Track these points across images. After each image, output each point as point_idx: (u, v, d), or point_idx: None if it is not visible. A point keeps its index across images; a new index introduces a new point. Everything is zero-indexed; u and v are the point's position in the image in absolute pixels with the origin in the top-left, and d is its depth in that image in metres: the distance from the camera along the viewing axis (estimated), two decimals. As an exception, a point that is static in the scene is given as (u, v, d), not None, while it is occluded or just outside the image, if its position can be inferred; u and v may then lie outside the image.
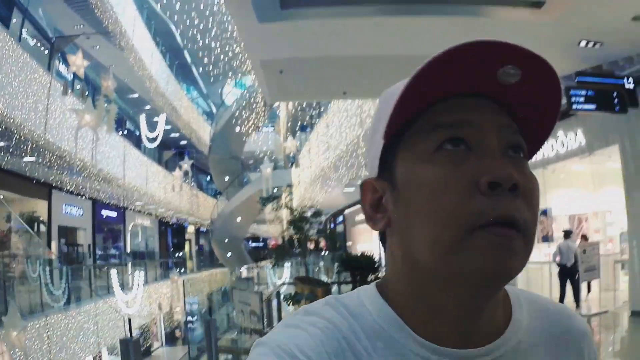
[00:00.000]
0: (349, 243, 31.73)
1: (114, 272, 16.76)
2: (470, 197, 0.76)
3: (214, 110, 33.39)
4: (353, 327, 0.83)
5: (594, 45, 9.12)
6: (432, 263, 0.79)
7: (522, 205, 0.77)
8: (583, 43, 9.04)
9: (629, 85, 10.19)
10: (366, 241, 26.41)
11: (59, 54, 19.07)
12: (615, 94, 10.04)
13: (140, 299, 18.18)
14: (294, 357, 0.76)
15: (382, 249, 0.93)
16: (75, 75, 18.15)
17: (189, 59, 31.38)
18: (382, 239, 0.91)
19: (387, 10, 7.58)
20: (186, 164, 23.79)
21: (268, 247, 39.34)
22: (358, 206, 25.74)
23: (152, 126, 24.91)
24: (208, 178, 37.24)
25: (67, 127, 14.62)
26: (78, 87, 19.23)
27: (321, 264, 22.71)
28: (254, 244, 41.18)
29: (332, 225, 35.09)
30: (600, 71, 10.37)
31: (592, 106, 9.95)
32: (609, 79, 10.23)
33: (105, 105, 13.89)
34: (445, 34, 7.53)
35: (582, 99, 9.88)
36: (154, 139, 22.28)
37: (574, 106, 9.88)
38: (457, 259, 0.76)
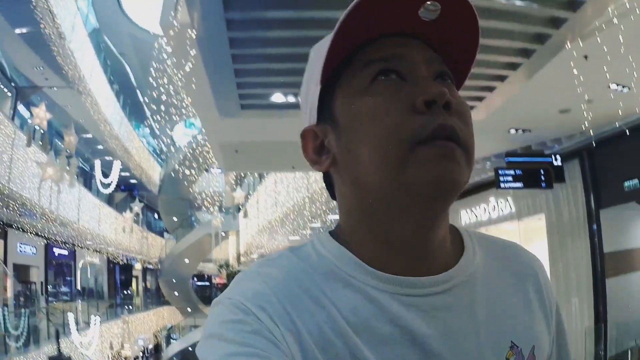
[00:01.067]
0: None
1: (70, 315, 17.16)
2: (409, 116, 0.81)
3: (164, 148, 33.92)
4: (307, 272, 0.85)
5: (524, 132, 9.88)
6: (380, 184, 0.82)
7: (457, 121, 0.83)
8: (513, 131, 9.79)
9: (557, 162, 11.05)
10: None
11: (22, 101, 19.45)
12: (542, 171, 10.62)
13: (97, 341, 18.63)
14: (246, 310, 0.78)
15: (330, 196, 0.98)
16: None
17: (141, 98, 31.92)
18: (329, 186, 0.97)
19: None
20: (137, 206, 24.29)
21: (213, 285, 39.69)
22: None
23: (105, 166, 25.39)
24: (156, 215, 37.61)
25: (29, 176, 15.12)
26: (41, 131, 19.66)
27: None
28: (199, 283, 41.09)
29: None
30: (529, 151, 11.06)
31: (519, 184, 10.46)
32: (537, 157, 10.86)
33: (67, 159, 14.50)
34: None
35: (510, 178, 10.39)
36: (108, 185, 22.82)
37: (502, 184, 10.38)
38: (404, 173, 0.80)
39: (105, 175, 24.36)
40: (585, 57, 6.73)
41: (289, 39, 5.77)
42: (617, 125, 8.76)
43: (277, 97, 7.73)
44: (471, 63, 0.94)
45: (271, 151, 11.48)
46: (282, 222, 20.15)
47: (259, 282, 0.82)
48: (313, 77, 0.91)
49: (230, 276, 16.39)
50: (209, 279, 41.24)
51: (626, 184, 10.14)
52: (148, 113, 33.45)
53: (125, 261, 30.02)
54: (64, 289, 25.40)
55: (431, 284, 0.85)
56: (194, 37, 5.84)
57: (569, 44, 6.32)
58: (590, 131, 8.78)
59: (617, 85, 7.94)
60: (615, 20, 5.80)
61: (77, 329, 17.39)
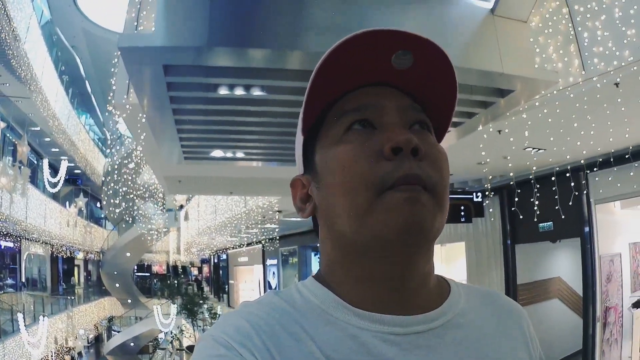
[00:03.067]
0: (231, 281, 32.94)
1: (20, 315, 17.78)
2: (377, 163, 0.84)
3: (109, 139, 34.21)
4: (289, 311, 0.87)
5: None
6: (351, 230, 0.85)
7: (426, 166, 0.85)
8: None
9: (477, 199, 11.95)
10: (248, 281, 27.82)
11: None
12: (462, 208, 11.60)
13: (45, 339, 19.32)
14: (227, 346, 0.80)
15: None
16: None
17: (89, 89, 32.25)
18: (317, 231, 0.98)
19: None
20: (81, 201, 24.82)
21: (153, 274, 40.07)
22: (240, 248, 27.21)
23: (52, 155, 25.81)
24: (99, 204, 37.70)
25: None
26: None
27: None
28: (139, 273, 41.37)
29: (216, 260, 36.16)
30: (451, 189, 12.32)
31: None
32: (459, 195, 11.82)
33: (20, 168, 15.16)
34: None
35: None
36: (56, 184, 23.28)
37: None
38: (370, 221, 0.83)
39: (53, 170, 24.77)
40: (499, 131, 7.94)
41: (226, 111, 6.46)
42: (533, 172, 9.76)
43: (217, 153, 8.52)
44: (451, 109, 0.96)
45: (212, 181, 12.33)
46: (221, 229, 20.99)
47: (240, 320, 0.84)
48: (299, 128, 0.95)
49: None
50: (149, 268, 41.72)
51: (541, 225, 11.26)
52: (95, 104, 33.88)
53: (68, 254, 30.44)
54: (9, 280, 25.84)
55: (414, 323, 0.86)
56: (144, 111, 6.74)
57: (491, 123, 7.35)
58: (511, 173, 9.84)
59: (533, 148, 9.17)
60: (536, 103, 6.86)
61: (25, 326, 18.04)
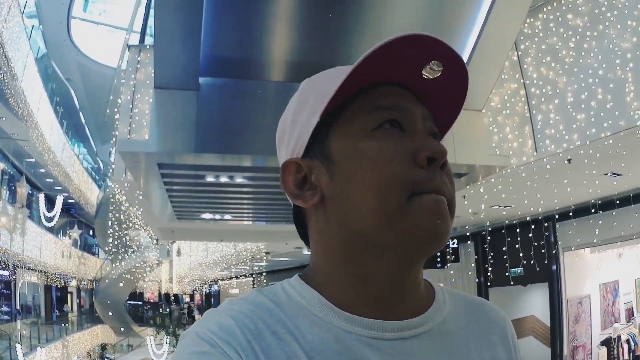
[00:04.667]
0: None
1: (18, 346, 18.28)
2: (411, 168, 0.83)
3: (102, 168, 34.65)
4: (274, 310, 0.85)
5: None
6: (374, 227, 0.84)
7: (447, 181, 0.87)
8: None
9: (454, 245, 12.78)
10: None
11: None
12: (439, 253, 11.79)
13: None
14: (212, 343, 0.79)
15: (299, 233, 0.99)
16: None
17: (83, 119, 32.83)
18: (299, 222, 0.97)
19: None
20: (75, 233, 25.40)
21: (145, 302, 40.31)
22: (232, 280, 27.81)
23: (47, 187, 26.35)
24: (91, 232, 38.15)
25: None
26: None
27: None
28: (132, 302, 41.51)
29: (207, 290, 36.44)
30: None
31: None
32: None
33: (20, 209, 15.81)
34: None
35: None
36: (52, 218, 23.87)
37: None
38: (400, 221, 0.82)
39: (49, 202, 25.34)
40: (464, 196, 8.68)
41: (213, 190, 7.28)
42: (505, 222, 10.56)
43: (207, 215, 9.26)
44: (449, 126, 0.98)
45: (203, 231, 13.05)
46: (211, 267, 21.61)
47: (225, 317, 0.83)
48: (305, 109, 0.91)
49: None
50: (141, 296, 41.91)
51: (512, 270, 11.88)
52: (89, 134, 34.41)
53: (62, 282, 30.91)
54: (4, 308, 26.34)
55: (399, 329, 0.86)
56: (141, 189, 7.49)
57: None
58: (487, 222, 10.53)
59: (499, 206, 9.88)
60: (492, 179, 7.61)
61: (23, 355, 18.54)
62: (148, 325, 30.90)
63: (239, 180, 6.42)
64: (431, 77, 0.88)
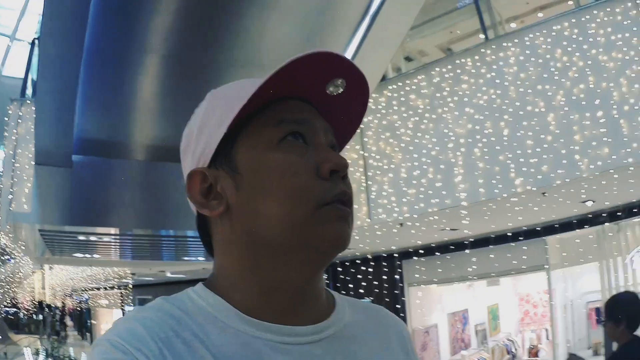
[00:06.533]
0: (93, 321, 32.95)
1: None
2: (315, 179, 0.87)
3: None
4: (181, 318, 0.85)
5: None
6: (281, 236, 0.86)
7: (348, 193, 0.91)
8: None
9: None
10: (109, 322, 28.29)
11: None
12: None
13: None
14: (124, 350, 0.78)
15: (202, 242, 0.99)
16: None
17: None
18: (202, 230, 0.97)
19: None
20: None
21: (20, 309, 39.37)
22: (101, 290, 28.03)
23: None
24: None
25: None
26: None
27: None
28: (8, 309, 40.21)
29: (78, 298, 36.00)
30: None
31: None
32: None
33: None
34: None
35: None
36: None
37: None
38: (306, 230, 0.85)
39: None
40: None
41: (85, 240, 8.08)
42: (356, 256, 11.46)
43: (78, 254, 9.96)
44: (348, 138, 1.03)
45: (75, 260, 13.19)
46: (81, 280, 21.92)
47: (135, 324, 0.82)
48: (213, 120, 0.91)
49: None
50: (15, 305, 40.62)
51: (362, 301, 12.79)
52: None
53: None
54: None
55: (303, 334, 0.88)
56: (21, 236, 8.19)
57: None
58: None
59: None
60: None
61: None
62: (24, 332, 30.46)
63: (106, 239, 7.26)
64: (335, 93, 0.92)
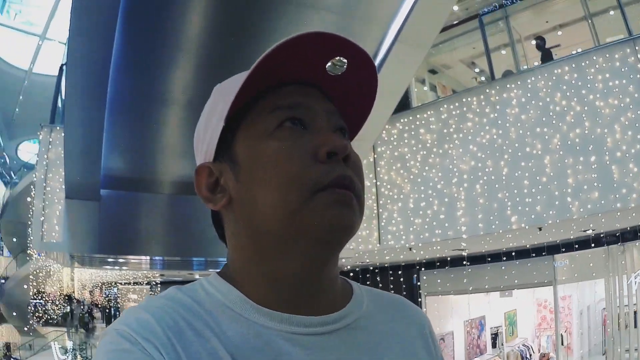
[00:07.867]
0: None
1: None
2: (311, 164, 0.84)
3: (8, 162, 34.22)
4: (193, 307, 0.84)
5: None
6: (277, 226, 0.84)
7: (352, 173, 0.87)
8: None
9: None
10: None
11: None
12: None
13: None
14: (132, 340, 0.78)
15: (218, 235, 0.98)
16: None
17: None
18: (217, 224, 0.97)
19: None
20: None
21: (48, 301, 40.12)
22: (128, 286, 28.70)
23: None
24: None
25: None
26: None
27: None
28: (33, 301, 40.66)
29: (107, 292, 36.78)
30: None
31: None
32: None
33: None
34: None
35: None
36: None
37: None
38: (302, 217, 0.82)
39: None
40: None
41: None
42: (377, 264, 11.74)
43: (107, 266, 10.28)
44: (362, 123, 0.99)
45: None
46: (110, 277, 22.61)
47: (145, 314, 0.81)
48: (215, 114, 0.91)
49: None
50: (41, 293, 41.13)
51: None
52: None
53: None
54: None
55: (317, 324, 0.86)
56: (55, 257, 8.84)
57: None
58: (357, 262, 11.11)
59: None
60: (343, 260, 8.84)
61: None
62: (51, 325, 31.17)
63: (124, 268, 7.85)
64: (336, 73, 0.89)
